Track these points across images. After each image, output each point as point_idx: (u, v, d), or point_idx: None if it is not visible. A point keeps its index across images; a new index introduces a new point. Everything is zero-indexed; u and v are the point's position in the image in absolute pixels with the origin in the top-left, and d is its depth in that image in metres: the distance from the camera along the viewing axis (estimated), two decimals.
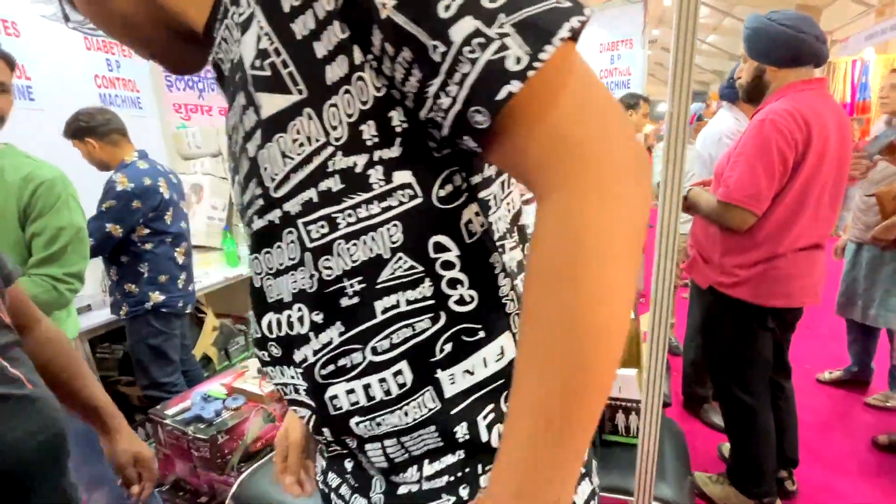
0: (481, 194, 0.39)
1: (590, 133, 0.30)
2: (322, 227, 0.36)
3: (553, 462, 0.31)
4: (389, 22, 0.30)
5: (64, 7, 0.43)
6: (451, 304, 0.38)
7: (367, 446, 0.42)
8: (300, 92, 0.34)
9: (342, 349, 0.40)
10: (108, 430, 0.77)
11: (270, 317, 0.42)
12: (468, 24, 0.29)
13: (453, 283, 0.38)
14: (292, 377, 0.44)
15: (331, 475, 0.49)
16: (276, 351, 0.44)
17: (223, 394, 1.59)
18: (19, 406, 0.57)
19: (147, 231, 1.72)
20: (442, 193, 0.36)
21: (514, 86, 0.29)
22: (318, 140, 0.34)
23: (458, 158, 0.37)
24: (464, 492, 0.40)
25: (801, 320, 1.49)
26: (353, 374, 0.40)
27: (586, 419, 0.32)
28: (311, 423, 0.45)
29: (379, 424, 0.41)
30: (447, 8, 0.29)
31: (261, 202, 0.38)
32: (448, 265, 0.37)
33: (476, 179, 0.38)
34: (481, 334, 0.39)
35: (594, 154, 0.29)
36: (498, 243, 0.40)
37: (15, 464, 0.54)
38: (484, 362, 0.39)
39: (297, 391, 0.44)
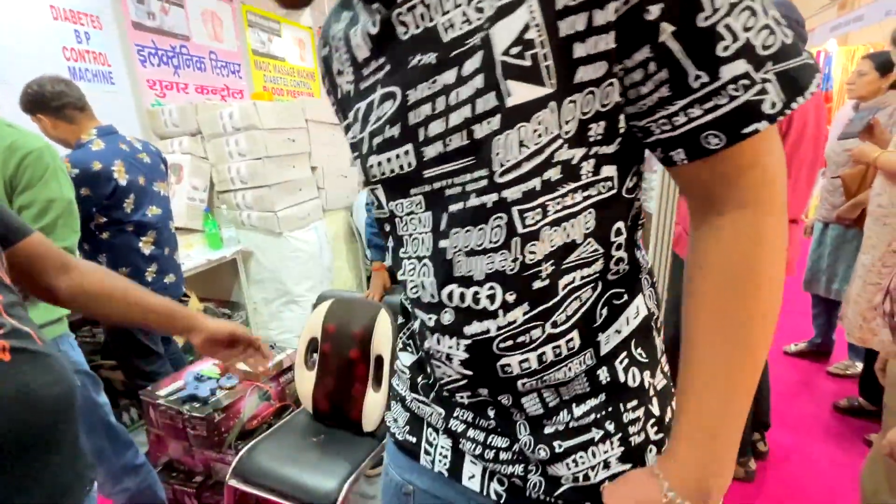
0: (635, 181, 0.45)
1: (778, 167, 0.37)
2: (537, 213, 0.39)
3: (731, 436, 0.39)
4: (663, 45, 0.34)
5: None
6: (608, 275, 0.43)
7: (524, 399, 0.46)
8: (552, 86, 0.36)
9: (524, 327, 0.42)
10: (192, 323, 0.76)
11: (453, 287, 0.43)
12: (740, 66, 0.33)
13: (618, 260, 0.43)
14: (450, 347, 0.45)
15: (453, 422, 0.51)
16: (448, 318, 0.44)
17: (216, 373, 1.57)
18: (35, 359, 0.56)
19: (104, 219, 1.54)
20: (630, 185, 0.42)
21: (763, 125, 0.34)
22: (552, 133, 0.37)
23: (637, 153, 0.42)
24: (609, 426, 0.45)
25: None
26: (531, 347, 0.43)
27: (750, 397, 0.39)
28: (460, 385, 0.47)
29: (544, 381, 0.44)
30: (726, 49, 0.33)
31: (483, 183, 0.39)
32: (619, 246, 0.43)
33: (636, 169, 0.43)
34: (625, 297, 0.45)
35: (778, 184, 0.37)
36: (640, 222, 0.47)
37: (39, 414, 0.54)
38: (627, 321, 0.45)
39: (449, 360, 0.46)
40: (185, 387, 1.50)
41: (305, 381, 1.48)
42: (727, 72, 0.33)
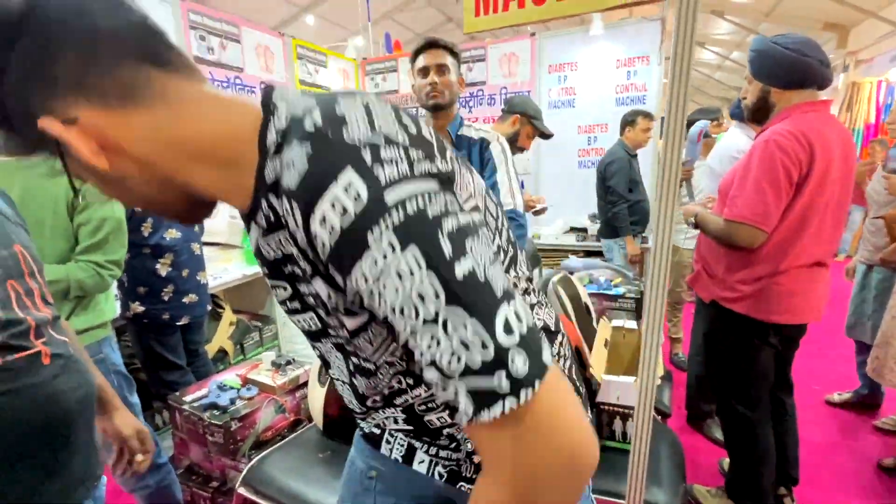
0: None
1: (518, 458, 0.36)
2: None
3: None
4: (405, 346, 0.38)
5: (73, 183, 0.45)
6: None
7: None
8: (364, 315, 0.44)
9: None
10: (110, 409, 0.83)
11: (369, 403, 0.60)
12: (433, 374, 0.36)
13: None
14: (387, 417, 0.60)
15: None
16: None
17: (238, 384, 1.67)
18: (68, 364, 0.65)
19: None
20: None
21: (469, 422, 0.36)
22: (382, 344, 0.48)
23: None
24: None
25: (811, 341, 1.50)
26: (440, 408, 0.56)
27: None
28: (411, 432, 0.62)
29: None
30: (421, 356, 0.36)
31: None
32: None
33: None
34: None
35: (510, 467, 0.37)
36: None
37: (64, 412, 0.63)
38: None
39: (395, 421, 0.60)
40: (208, 394, 1.60)
41: (317, 398, 1.55)
42: (427, 374, 0.37)
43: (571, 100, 3.61)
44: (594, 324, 1.88)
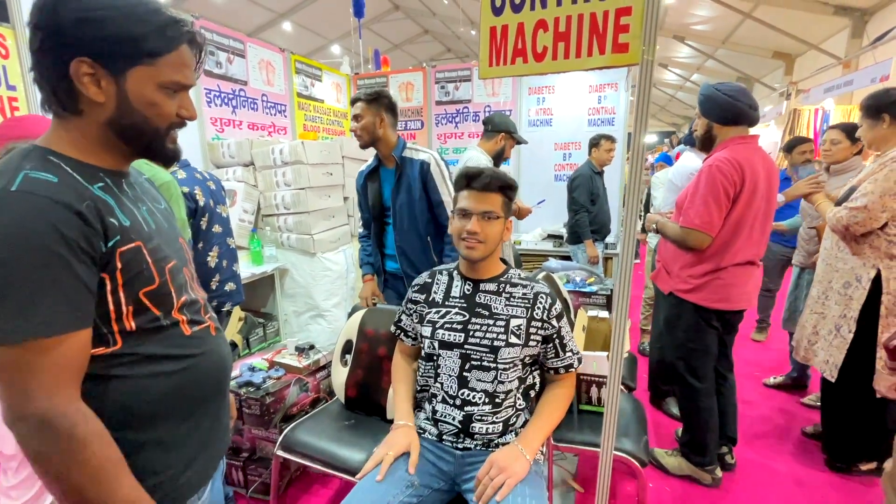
0: None
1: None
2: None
3: (543, 433, 1.25)
4: (554, 343, 1.32)
5: None
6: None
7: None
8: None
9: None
10: None
11: (465, 391, 1.25)
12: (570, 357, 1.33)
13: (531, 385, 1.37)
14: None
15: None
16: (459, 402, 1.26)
17: (265, 366, 1.88)
18: (220, 335, 0.84)
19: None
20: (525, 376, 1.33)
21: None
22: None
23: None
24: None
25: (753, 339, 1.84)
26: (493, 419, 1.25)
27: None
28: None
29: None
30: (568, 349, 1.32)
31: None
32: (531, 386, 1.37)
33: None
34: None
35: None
36: None
37: (225, 371, 0.83)
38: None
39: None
40: (241, 374, 1.81)
41: (339, 376, 1.78)
42: (568, 355, 1.28)
43: (549, 119, 3.98)
44: (572, 315, 2.19)
